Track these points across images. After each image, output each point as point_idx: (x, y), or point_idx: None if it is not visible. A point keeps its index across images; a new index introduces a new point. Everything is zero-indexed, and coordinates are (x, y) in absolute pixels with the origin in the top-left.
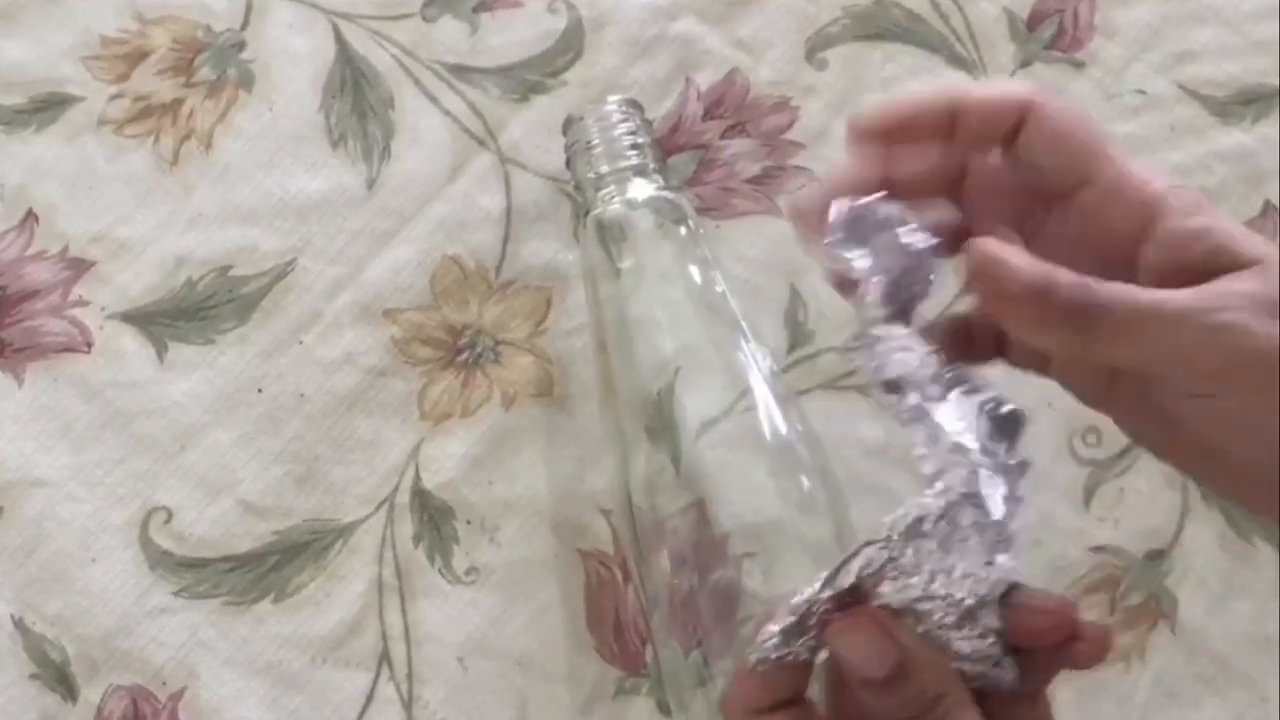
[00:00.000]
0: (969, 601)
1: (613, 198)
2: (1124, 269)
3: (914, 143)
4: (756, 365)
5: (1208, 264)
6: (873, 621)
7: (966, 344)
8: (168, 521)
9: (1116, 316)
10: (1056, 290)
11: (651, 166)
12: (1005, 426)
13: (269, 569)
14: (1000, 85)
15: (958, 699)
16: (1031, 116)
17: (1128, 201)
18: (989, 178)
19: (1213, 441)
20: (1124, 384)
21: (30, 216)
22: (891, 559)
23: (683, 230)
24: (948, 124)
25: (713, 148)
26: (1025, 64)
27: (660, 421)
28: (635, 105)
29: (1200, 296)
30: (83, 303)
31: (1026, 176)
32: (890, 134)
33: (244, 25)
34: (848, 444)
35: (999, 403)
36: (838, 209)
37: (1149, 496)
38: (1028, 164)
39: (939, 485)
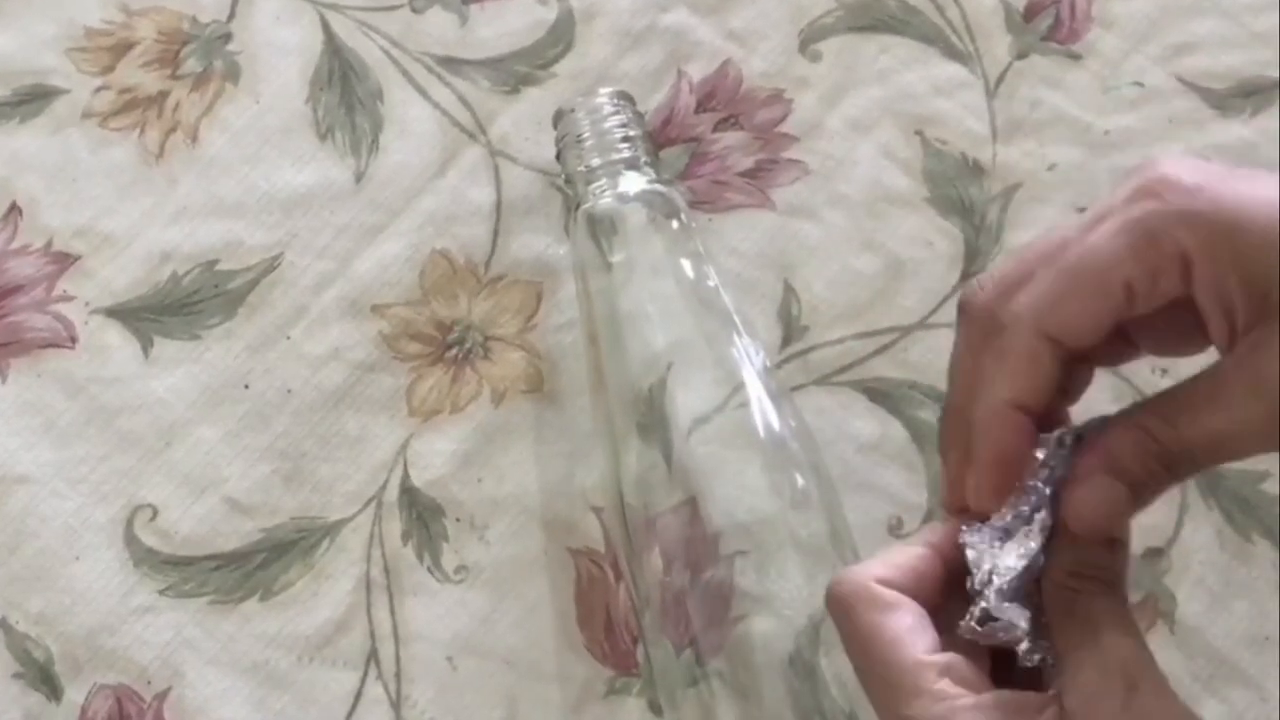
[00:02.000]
0: None
1: (604, 191)
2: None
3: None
4: (749, 361)
5: (1247, 295)
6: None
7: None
8: (153, 519)
9: (1195, 457)
10: (1130, 474)
11: (643, 159)
12: None
13: (255, 567)
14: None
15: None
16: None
17: (1162, 270)
18: None
19: None
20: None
21: (13, 210)
22: None
23: (675, 224)
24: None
25: (705, 140)
26: (1021, 56)
27: (652, 418)
28: (626, 98)
29: (1256, 402)
30: (67, 297)
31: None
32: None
33: (230, 17)
34: (841, 440)
35: None
36: None
37: None
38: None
39: None
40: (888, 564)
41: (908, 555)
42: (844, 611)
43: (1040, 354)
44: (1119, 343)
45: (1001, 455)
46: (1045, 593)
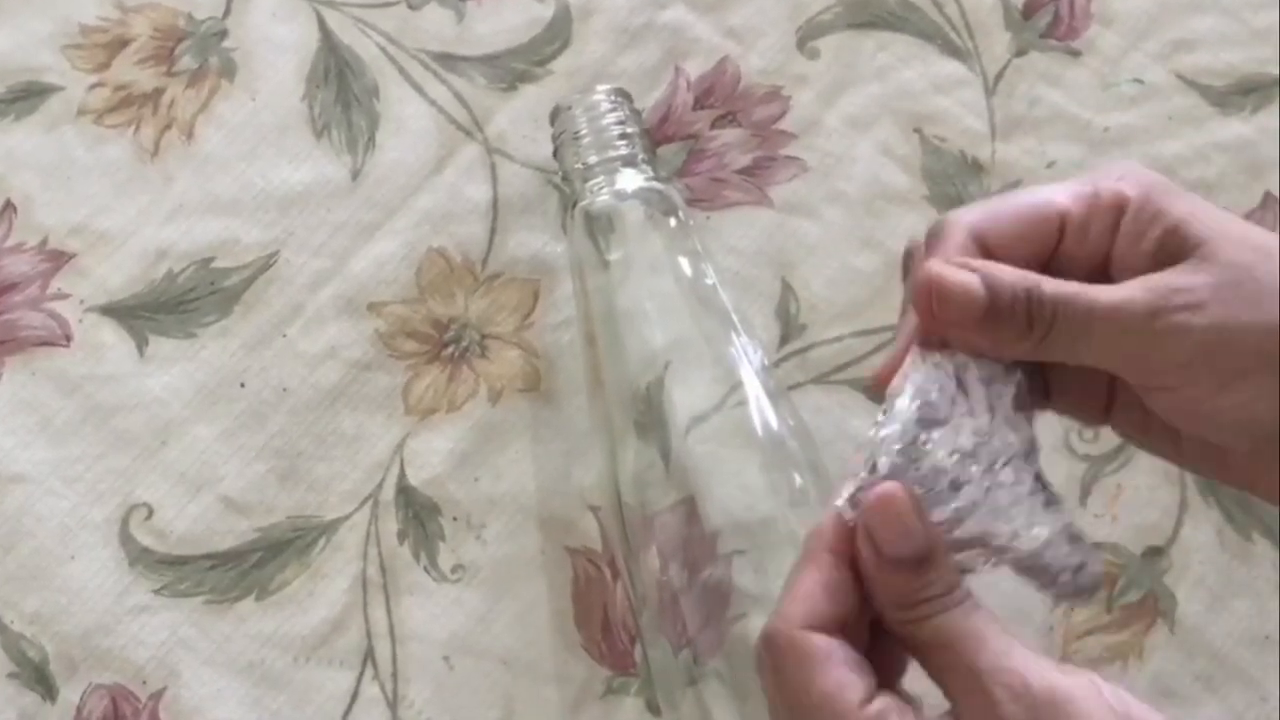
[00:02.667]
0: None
1: (601, 189)
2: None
3: None
4: (747, 359)
5: (1161, 251)
6: (908, 500)
7: None
8: (148, 518)
9: (1062, 319)
10: (999, 293)
11: (640, 157)
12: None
13: (251, 567)
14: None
15: (968, 594)
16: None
17: (1102, 212)
18: None
19: (1195, 435)
20: (1120, 398)
21: (8, 208)
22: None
23: (672, 222)
24: None
25: (703, 138)
26: (1020, 53)
27: (649, 416)
28: (624, 95)
29: (1140, 295)
30: (62, 295)
31: None
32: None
33: (226, 13)
34: (840, 439)
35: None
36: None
37: (1147, 492)
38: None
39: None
40: (803, 598)
41: (814, 581)
42: (773, 670)
43: (968, 248)
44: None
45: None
46: (897, 637)
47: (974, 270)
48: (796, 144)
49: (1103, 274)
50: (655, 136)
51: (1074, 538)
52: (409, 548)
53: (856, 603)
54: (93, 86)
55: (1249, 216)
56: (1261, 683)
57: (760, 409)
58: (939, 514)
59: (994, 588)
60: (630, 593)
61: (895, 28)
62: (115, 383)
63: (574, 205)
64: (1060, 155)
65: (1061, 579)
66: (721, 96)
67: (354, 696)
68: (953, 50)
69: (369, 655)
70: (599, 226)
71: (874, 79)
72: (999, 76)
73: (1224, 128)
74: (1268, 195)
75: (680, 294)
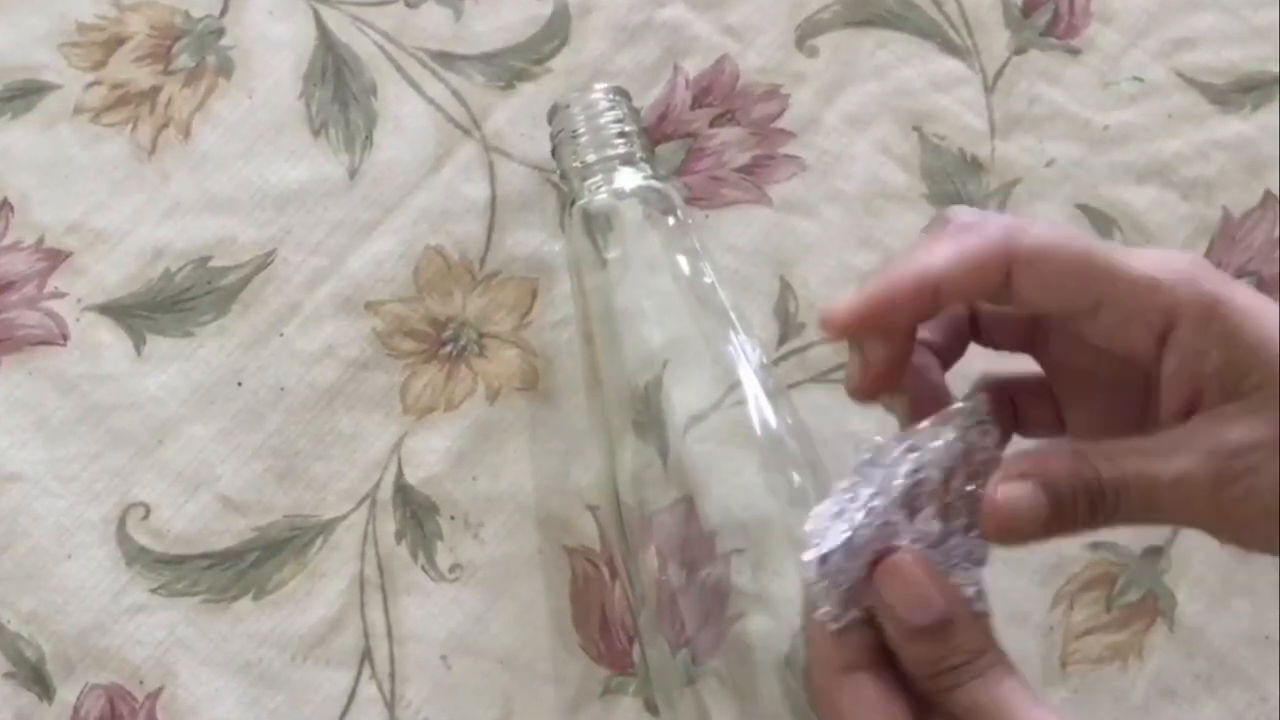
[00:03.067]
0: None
1: (599, 187)
2: (1143, 385)
3: (894, 331)
4: (746, 358)
5: (1225, 376)
6: (920, 567)
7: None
8: (145, 517)
9: (1125, 503)
10: (1059, 494)
11: (639, 155)
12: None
13: (248, 566)
14: (967, 244)
15: (997, 658)
16: (1015, 267)
17: (1145, 315)
18: (996, 315)
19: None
20: None
21: (4, 206)
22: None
23: (671, 220)
24: (928, 305)
25: (701, 136)
26: (1019, 51)
27: (647, 415)
28: (622, 93)
29: (1202, 466)
30: (59, 294)
31: (1032, 311)
32: (866, 328)
33: (223, 12)
34: (839, 438)
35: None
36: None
37: None
38: (1028, 306)
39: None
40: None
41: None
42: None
43: (991, 254)
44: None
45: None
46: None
47: (1025, 475)
48: (795, 142)
49: (1137, 368)
50: (653, 135)
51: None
52: (406, 547)
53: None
54: (89, 85)
55: (1248, 215)
56: (1261, 683)
57: (759, 408)
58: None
59: (993, 589)
60: (628, 592)
61: (894, 26)
62: (112, 382)
63: (572, 204)
64: (1060, 153)
65: None
66: (720, 95)
67: (351, 696)
68: (952, 48)
69: (366, 655)
70: (597, 225)
71: (873, 77)
72: (998, 74)
73: (1224, 126)
74: (1268, 194)
75: (678, 293)
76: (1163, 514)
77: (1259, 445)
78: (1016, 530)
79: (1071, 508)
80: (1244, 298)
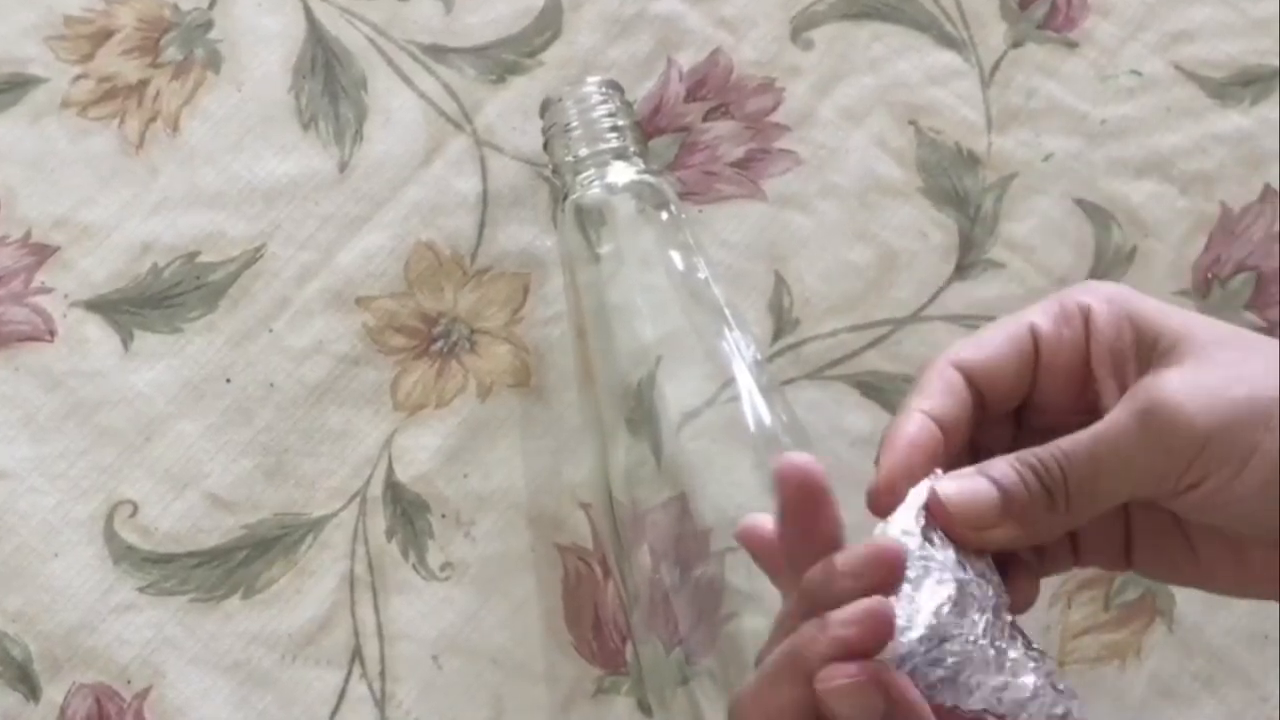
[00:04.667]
0: None
1: (592, 181)
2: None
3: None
4: (740, 354)
5: (1140, 345)
6: (866, 674)
7: None
8: (133, 515)
9: (1073, 473)
10: (1004, 481)
11: (632, 149)
12: None
13: (237, 564)
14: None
15: None
16: (985, 405)
17: (1069, 324)
18: None
19: (1229, 533)
20: (1137, 541)
21: None
22: None
23: (664, 215)
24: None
25: (695, 130)
26: (1016, 44)
27: (641, 412)
28: (615, 86)
29: (1126, 409)
30: (45, 290)
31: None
32: (913, 477)
33: (211, 4)
34: (834, 435)
35: None
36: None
37: None
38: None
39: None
40: None
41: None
42: None
43: (950, 378)
44: None
45: (903, 440)
46: None
47: (972, 474)
48: (790, 136)
49: (1084, 383)
50: (647, 129)
51: (1057, 686)
52: (397, 545)
53: None
54: (77, 78)
55: (1247, 210)
56: (1261, 682)
57: (753, 405)
58: (935, 674)
59: None
60: (621, 591)
61: (890, 18)
62: (99, 378)
63: (564, 198)
64: (1057, 147)
65: None
66: (714, 88)
67: (341, 696)
68: (948, 41)
69: (357, 654)
70: (590, 220)
71: (868, 70)
72: (995, 68)
73: (1223, 120)
74: (1267, 188)
75: (672, 288)
76: (1111, 477)
77: (1177, 385)
78: (976, 520)
79: (1023, 491)
80: (1140, 294)
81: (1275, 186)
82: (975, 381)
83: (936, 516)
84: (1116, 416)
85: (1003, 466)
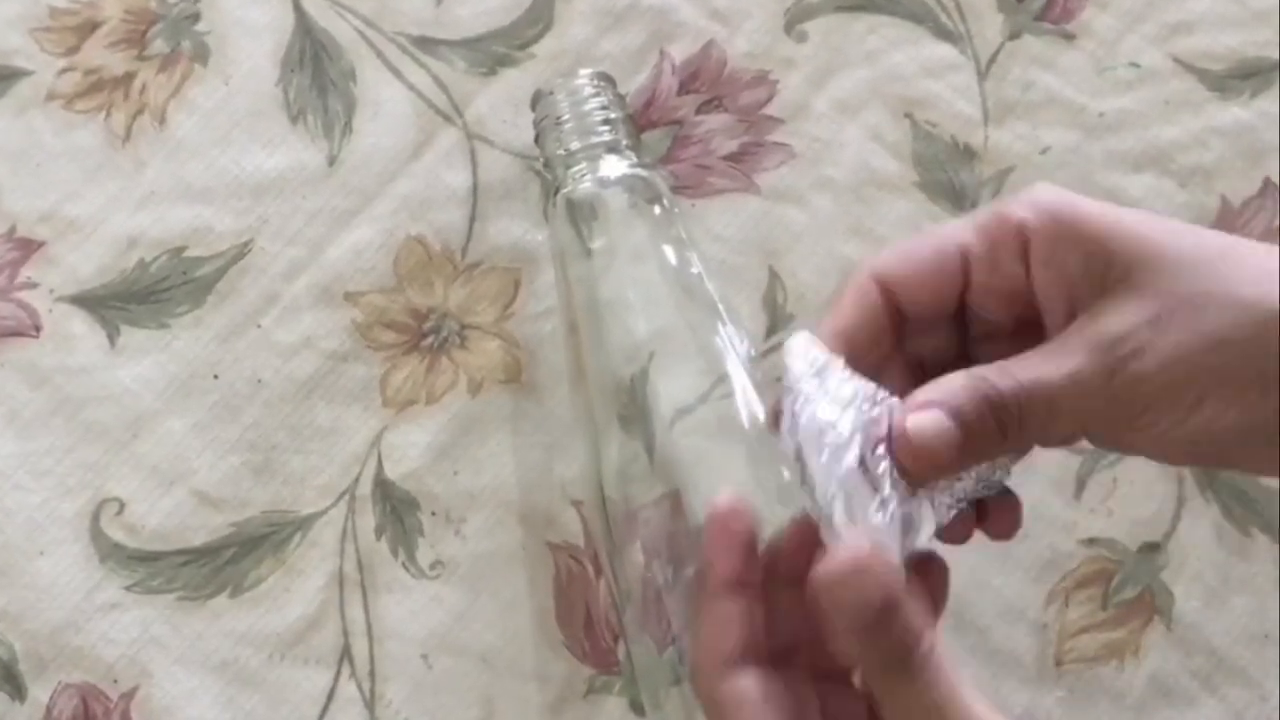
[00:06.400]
0: None
1: (584, 175)
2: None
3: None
4: (734, 349)
5: (1088, 276)
6: (855, 565)
7: None
8: (119, 513)
9: (1028, 412)
10: (966, 418)
11: (624, 143)
12: None
13: (225, 562)
14: (852, 306)
15: (933, 642)
16: (896, 313)
17: (1004, 250)
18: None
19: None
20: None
21: None
22: None
23: (657, 209)
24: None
25: (688, 123)
26: (1013, 36)
27: (633, 408)
28: (607, 79)
29: (1088, 360)
30: (31, 285)
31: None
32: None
33: None
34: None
35: None
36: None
37: (1143, 487)
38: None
39: None
40: (718, 638)
41: (726, 616)
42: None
43: (866, 291)
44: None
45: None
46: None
47: (930, 403)
48: (784, 129)
49: (1026, 303)
50: (639, 122)
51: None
52: (387, 543)
53: (758, 625)
54: (62, 71)
55: (1248, 204)
56: (1261, 681)
57: (747, 401)
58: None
59: (986, 586)
60: (613, 589)
61: (885, 10)
62: (85, 374)
63: (556, 192)
64: (1054, 140)
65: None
66: (707, 81)
67: (330, 696)
68: (944, 33)
69: (346, 653)
70: (581, 214)
71: (863, 63)
72: (992, 60)
73: (1223, 112)
74: (1267, 181)
75: (665, 283)
76: (1067, 419)
77: (1136, 328)
78: (935, 459)
79: (980, 428)
80: (1086, 203)
81: (1275, 180)
82: (895, 295)
83: (898, 447)
84: (1076, 361)
85: (962, 398)
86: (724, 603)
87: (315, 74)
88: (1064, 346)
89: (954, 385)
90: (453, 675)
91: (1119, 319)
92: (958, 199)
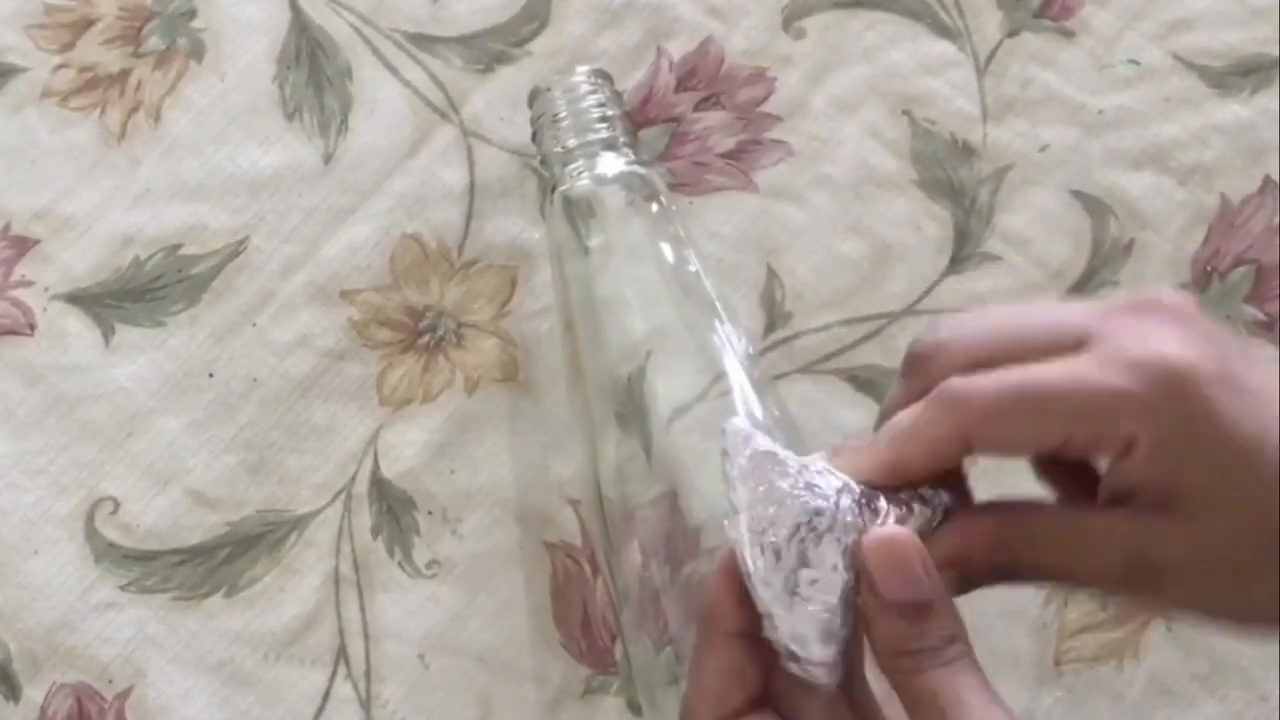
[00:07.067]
0: None
1: (581, 173)
2: None
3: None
4: (732, 348)
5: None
6: (916, 547)
7: None
8: (114, 512)
9: (1035, 575)
10: (973, 574)
11: (621, 140)
12: None
13: (220, 562)
14: (921, 437)
15: (965, 650)
16: (974, 441)
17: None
18: None
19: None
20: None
21: None
22: None
23: (654, 207)
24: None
25: (686, 120)
26: (1012, 33)
27: (630, 407)
28: (604, 76)
29: (1122, 564)
30: (26, 283)
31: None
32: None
33: None
34: (827, 430)
35: None
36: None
37: None
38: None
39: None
40: (711, 690)
41: (719, 668)
42: None
43: (946, 443)
44: None
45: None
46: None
47: (948, 565)
48: (782, 127)
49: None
50: (636, 119)
51: None
52: (383, 543)
53: (762, 675)
54: (57, 68)
55: (1247, 201)
56: (1261, 682)
57: (745, 400)
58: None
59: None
60: (611, 589)
61: (883, 7)
62: (80, 373)
63: (553, 190)
64: (1054, 138)
65: None
66: (705, 78)
67: (326, 696)
68: (943, 30)
69: (342, 653)
70: (579, 212)
71: (861, 60)
72: (990, 57)
73: (1222, 110)
74: (1267, 179)
75: (662, 281)
76: (1067, 589)
77: (1173, 564)
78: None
79: (982, 580)
80: (1226, 404)
81: (1275, 178)
82: (974, 441)
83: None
84: (1104, 565)
85: (980, 555)
86: (726, 654)
87: (311, 71)
88: (1099, 540)
89: (976, 543)
90: (449, 675)
91: (1161, 547)
92: (957, 197)
